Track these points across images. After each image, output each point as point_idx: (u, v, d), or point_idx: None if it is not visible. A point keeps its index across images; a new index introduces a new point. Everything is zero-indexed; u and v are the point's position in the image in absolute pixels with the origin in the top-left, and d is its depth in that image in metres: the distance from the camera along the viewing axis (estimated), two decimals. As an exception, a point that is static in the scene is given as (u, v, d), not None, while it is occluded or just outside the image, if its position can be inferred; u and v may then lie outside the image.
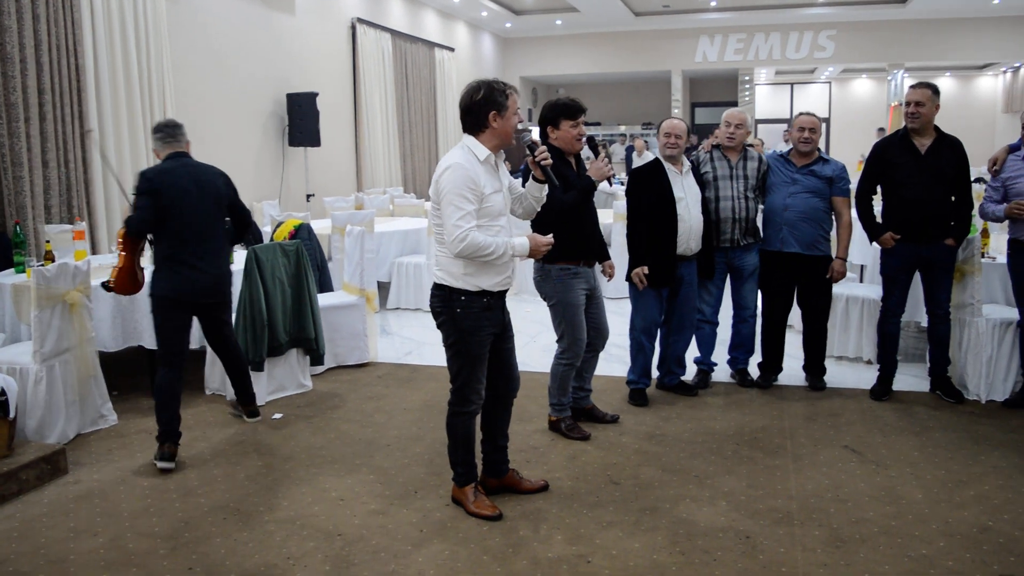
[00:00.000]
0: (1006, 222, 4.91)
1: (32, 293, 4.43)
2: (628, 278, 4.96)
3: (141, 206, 4.20)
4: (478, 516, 3.64)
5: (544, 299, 4.49)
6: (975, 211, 5.09)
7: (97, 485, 4.06)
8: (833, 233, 5.27)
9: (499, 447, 3.90)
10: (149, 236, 4.37)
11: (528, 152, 3.64)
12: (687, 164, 5.04)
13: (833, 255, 5.21)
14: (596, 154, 4.41)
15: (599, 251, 4.62)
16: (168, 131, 4.44)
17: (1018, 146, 4.93)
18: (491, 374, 3.71)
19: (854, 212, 5.30)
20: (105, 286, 4.47)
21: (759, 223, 5.34)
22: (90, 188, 7.45)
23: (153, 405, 4.39)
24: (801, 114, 5.27)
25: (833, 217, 5.23)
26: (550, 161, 3.60)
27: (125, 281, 4.39)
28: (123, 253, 4.35)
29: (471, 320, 3.51)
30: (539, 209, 3.82)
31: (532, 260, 4.04)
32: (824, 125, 22.82)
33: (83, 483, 4.08)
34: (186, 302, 4.39)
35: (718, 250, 5.22)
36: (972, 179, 5.15)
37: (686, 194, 4.93)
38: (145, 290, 4.55)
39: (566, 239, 4.24)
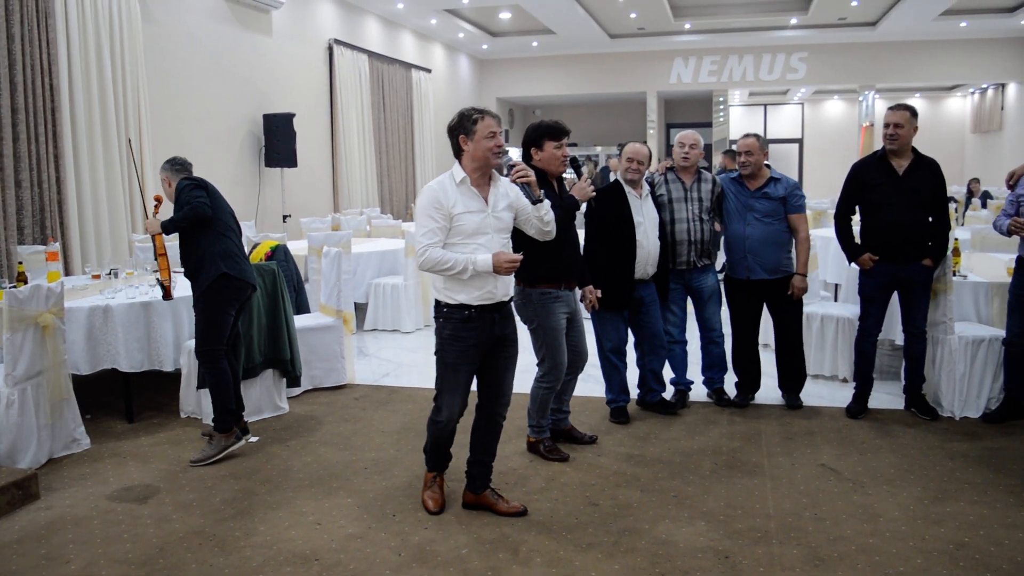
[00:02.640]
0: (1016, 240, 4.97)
1: (4, 315, 4.37)
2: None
3: (199, 195, 4.56)
4: (423, 504, 3.93)
5: (525, 323, 4.47)
6: (953, 232, 5.15)
7: (69, 511, 3.99)
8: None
9: (480, 463, 3.93)
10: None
11: (507, 172, 3.74)
12: (647, 188, 5.08)
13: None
14: (579, 175, 4.46)
15: (580, 275, 4.64)
16: (184, 164, 4.81)
17: None
18: (480, 387, 3.84)
19: (830, 232, 5.35)
20: (162, 285, 4.83)
21: (721, 247, 5.39)
22: (64, 208, 7.39)
23: (212, 401, 4.70)
24: (743, 137, 5.33)
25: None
26: (530, 179, 3.70)
27: (171, 284, 4.85)
28: (164, 257, 4.78)
29: (449, 329, 3.69)
30: (548, 229, 3.88)
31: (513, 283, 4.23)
32: (797, 146, 23.11)
33: (55, 509, 4.02)
34: (246, 286, 4.72)
35: (674, 272, 5.26)
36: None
37: (645, 219, 4.97)
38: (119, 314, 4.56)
39: (548, 262, 4.31)
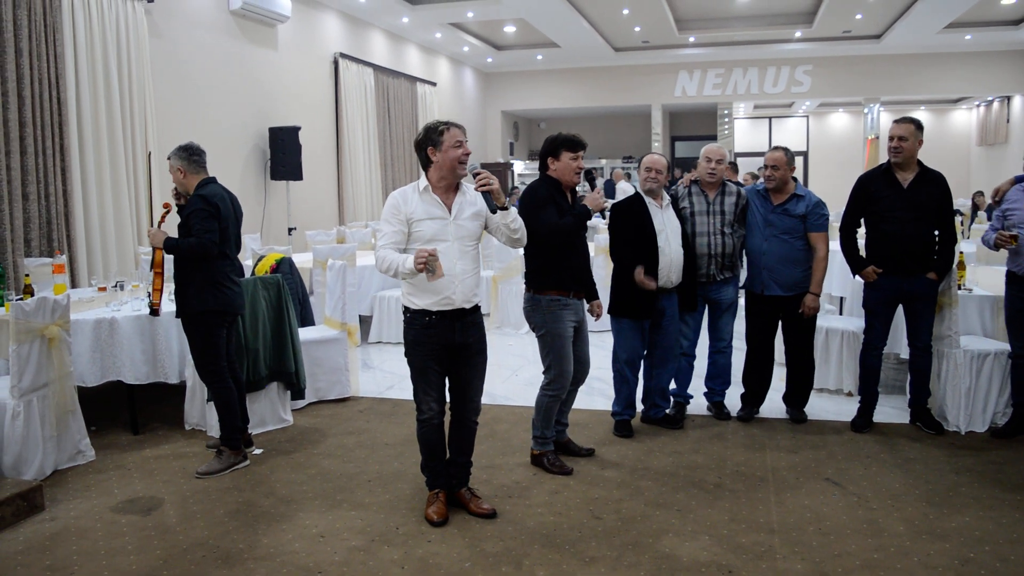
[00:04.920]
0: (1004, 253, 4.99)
1: (11, 327, 4.39)
2: (610, 311, 5.00)
3: (211, 229, 4.48)
4: (426, 518, 3.96)
5: (533, 329, 4.56)
6: (958, 245, 5.15)
7: (74, 522, 4.00)
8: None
9: (456, 463, 4.10)
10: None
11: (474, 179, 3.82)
12: (667, 198, 5.10)
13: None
14: (592, 187, 4.54)
15: (589, 287, 4.66)
16: (201, 156, 4.71)
17: (1023, 178, 5.00)
18: (450, 393, 4.04)
19: (835, 245, 5.34)
20: (152, 307, 4.78)
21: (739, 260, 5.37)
22: (70, 221, 7.43)
23: (219, 420, 4.71)
24: (771, 149, 5.30)
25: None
26: (493, 187, 3.77)
27: (160, 302, 4.74)
28: (160, 276, 4.66)
29: (412, 334, 3.89)
30: (517, 237, 3.96)
31: (524, 291, 4.48)
32: (802, 158, 23.12)
33: (60, 520, 4.02)
34: (230, 314, 4.69)
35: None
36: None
37: (666, 227, 4.98)
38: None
39: (557, 270, 4.43)
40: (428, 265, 3.54)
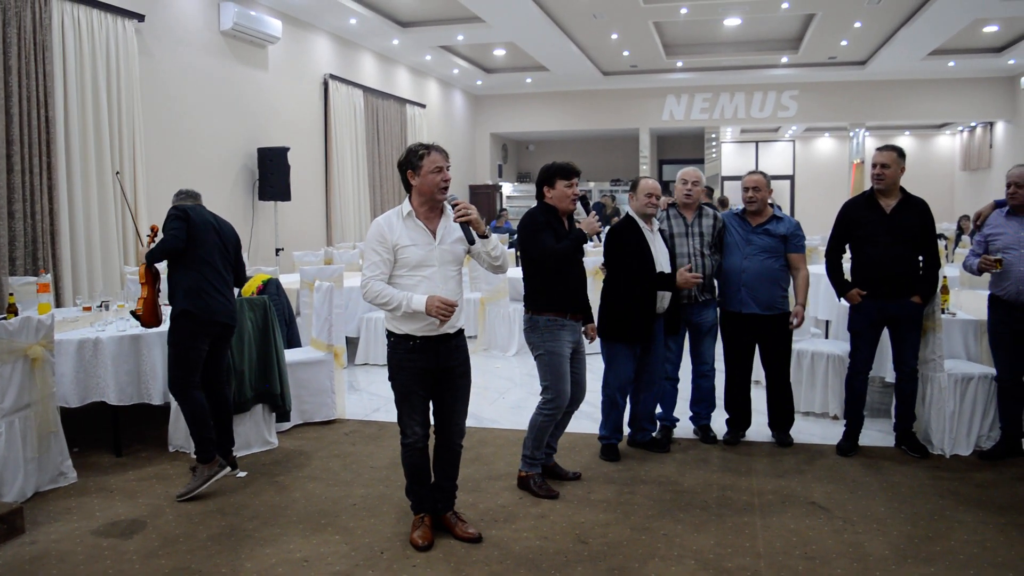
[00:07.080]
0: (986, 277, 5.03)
1: (-7, 348, 4.35)
2: (604, 336, 5.01)
3: (175, 228, 4.60)
4: (411, 542, 3.92)
5: (531, 350, 4.60)
6: (942, 269, 5.20)
7: (54, 546, 3.95)
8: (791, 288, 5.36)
9: (441, 487, 4.08)
10: (164, 272, 4.80)
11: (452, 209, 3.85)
12: (656, 223, 5.14)
13: (791, 310, 5.28)
14: (587, 212, 4.60)
15: (585, 309, 4.69)
16: (189, 193, 5.03)
17: (1004, 202, 5.06)
18: (434, 417, 4.04)
19: (820, 269, 5.39)
20: (134, 315, 4.87)
21: (716, 281, 5.43)
22: (56, 240, 7.39)
23: (190, 432, 4.69)
24: (749, 173, 5.39)
25: (791, 273, 5.32)
26: (471, 217, 3.79)
27: (149, 312, 4.80)
28: (145, 286, 4.78)
29: (396, 359, 3.86)
30: (499, 264, 4.02)
31: (523, 311, 4.54)
32: (788, 183, 23.28)
33: (40, 543, 3.97)
34: (211, 323, 4.67)
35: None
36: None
37: (659, 252, 5.02)
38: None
39: (555, 291, 4.49)
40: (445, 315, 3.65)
